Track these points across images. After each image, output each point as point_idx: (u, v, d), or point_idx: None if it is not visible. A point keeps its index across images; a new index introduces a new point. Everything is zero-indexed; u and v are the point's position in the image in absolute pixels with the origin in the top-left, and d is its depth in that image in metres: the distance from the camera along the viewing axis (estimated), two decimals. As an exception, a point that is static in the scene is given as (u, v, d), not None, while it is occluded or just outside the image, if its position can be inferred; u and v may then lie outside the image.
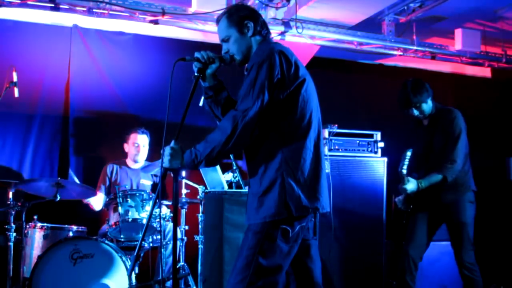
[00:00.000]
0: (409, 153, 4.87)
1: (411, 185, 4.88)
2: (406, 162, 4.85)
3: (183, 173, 5.54)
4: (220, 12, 3.40)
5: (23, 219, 4.92)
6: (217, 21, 3.37)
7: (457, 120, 4.92)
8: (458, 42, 7.37)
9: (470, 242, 4.83)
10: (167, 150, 3.03)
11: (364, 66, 8.02)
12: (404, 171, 4.85)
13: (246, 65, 3.25)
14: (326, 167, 5.03)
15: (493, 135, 8.35)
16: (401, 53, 7.31)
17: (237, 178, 5.41)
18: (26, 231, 5.03)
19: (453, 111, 5.00)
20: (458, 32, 7.37)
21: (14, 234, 4.89)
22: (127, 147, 6.09)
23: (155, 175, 6.05)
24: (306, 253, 3.28)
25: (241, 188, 5.38)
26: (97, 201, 5.84)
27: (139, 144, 6.01)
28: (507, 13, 6.98)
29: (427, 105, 5.02)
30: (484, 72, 8.54)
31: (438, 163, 4.90)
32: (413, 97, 4.96)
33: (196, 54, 3.22)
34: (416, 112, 5.04)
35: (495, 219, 7.71)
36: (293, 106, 3.07)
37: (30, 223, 5.12)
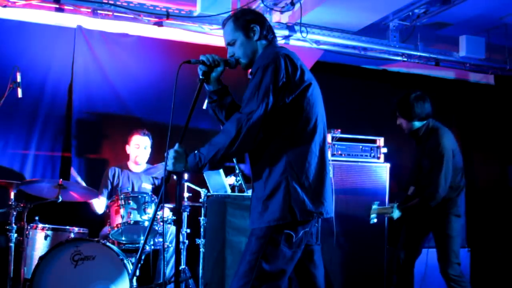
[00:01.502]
0: (374, 206, 5.09)
1: (395, 213, 5.06)
2: (373, 215, 5.10)
3: (185, 176, 5.52)
4: (225, 15, 3.40)
5: (25, 220, 4.91)
6: (223, 24, 3.36)
7: (441, 144, 4.86)
8: (462, 49, 7.36)
9: (455, 255, 4.85)
10: (171, 153, 3.01)
11: (368, 72, 8.01)
12: (376, 214, 5.09)
13: (251, 69, 3.23)
14: (330, 173, 5.04)
15: (496, 142, 8.34)
16: (405, 59, 7.30)
17: (239, 182, 5.40)
18: (27, 232, 5.00)
19: (439, 133, 4.95)
20: (462, 39, 7.37)
21: (15, 235, 4.87)
22: (128, 149, 6.07)
23: (156, 178, 6.03)
24: (309, 258, 3.27)
25: (243, 192, 5.37)
26: (99, 205, 5.82)
27: (139, 145, 5.99)
28: (512, 21, 6.99)
29: (409, 124, 5.07)
30: (488, 79, 8.53)
31: (424, 185, 4.94)
32: (398, 106, 5.12)
33: (202, 57, 3.21)
34: (397, 121, 5.18)
35: (497, 226, 7.70)
36: (299, 110, 3.06)
37: (31, 224, 5.09)
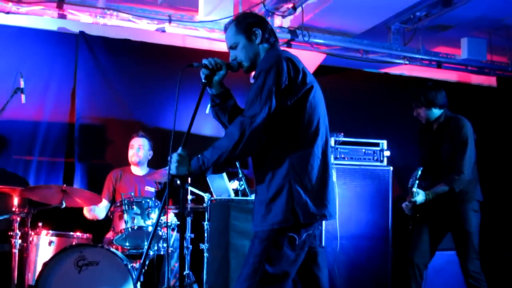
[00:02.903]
0: (419, 172, 4.83)
1: (420, 196, 4.84)
2: (416, 181, 4.83)
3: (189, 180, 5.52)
4: (227, 19, 3.40)
5: (28, 225, 4.92)
6: (225, 28, 3.36)
7: (465, 129, 4.90)
8: (464, 51, 7.37)
9: (475, 251, 4.81)
10: (174, 157, 3.00)
11: (370, 75, 8.01)
12: (414, 189, 4.82)
13: (253, 72, 3.24)
14: (333, 176, 5.04)
15: (500, 144, 8.32)
16: (407, 62, 7.31)
17: (243, 186, 5.40)
18: (31, 238, 5.02)
19: (461, 119, 4.99)
20: (464, 41, 7.37)
21: (19, 241, 4.88)
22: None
23: (159, 182, 6.03)
24: (313, 261, 3.26)
25: (247, 196, 5.36)
26: (101, 209, 5.83)
27: (134, 146, 6.02)
28: (513, 22, 6.99)
29: (429, 112, 5.04)
30: (490, 81, 8.51)
31: (445, 172, 4.88)
32: (417, 95, 5.05)
33: (204, 61, 3.21)
34: (415, 112, 5.13)
35: (501, 228, 7.68)
36: (301, 113, 3.06)
37: (35, 230, 5.10)
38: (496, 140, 8.30)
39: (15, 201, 4.94)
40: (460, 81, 8.45)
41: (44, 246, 5.09)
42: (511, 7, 6.54)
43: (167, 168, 3.09)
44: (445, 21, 6.91)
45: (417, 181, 4.79)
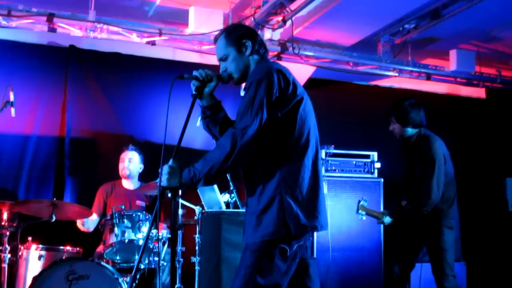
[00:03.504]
0: (362, 202, 5.14)
1: (387, 219, 5.04)
2: (362, 212, 5.13)
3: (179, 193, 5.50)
4: (217, 32, 3.40)
5: (18, 240, 4.88)
6: (215, 40, 3.37)
7: (432, 150, 4.87)
8: (453, 63, 7.42)
9: (450, 267, 4.82)
10: (165, 169, 2.99)
11: (360, 87, 8.05)
12: (364, 213, 5.09)
13: (244, 84, 3.24)
14: (324, 189, 5.07)
15: (489, 155, 8.36)
16: (397, 74, 7.35)
17: (234, 199, 5.39)
18: (20, 252, 4.98)
19: (430, 140, 4.96)
20: (452, 53, 7.43)
21: (9, 255, 4.84)
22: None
23: (150, 196, 6.01)
24: (304, 272, 3.24)
25: (238, 208, 5.35)
26: (92, 222, 5.80)
27: (124, 159, 6.00)
28: (501, 34, 7.04)
29: (402, 129, 5.07)
30: (479, 93, 8.58)
31: (416, 194, 4.92)
32: (391, 112, 5.10)
33: (194, 72, 3.21)
34: (390, 127, 5.15)
35: (493, 239, 7.70)
36: (291, 125, 3.06)
37: (24, 244, 5.06)
38: (486, 151, 8.34)
39: (5, 215, 4.90)
40: (450, 93, 8.50)
41: (34, 260, 5.05)
42: (498, 19, 6.60)
43: (158, 180, 3.08)
44: (434, 34, 6.96)
45: (361, 213, 5.14)
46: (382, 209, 6.12)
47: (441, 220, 4.88)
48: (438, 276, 4.83)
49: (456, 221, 5.00)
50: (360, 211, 5.18)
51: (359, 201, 5.19)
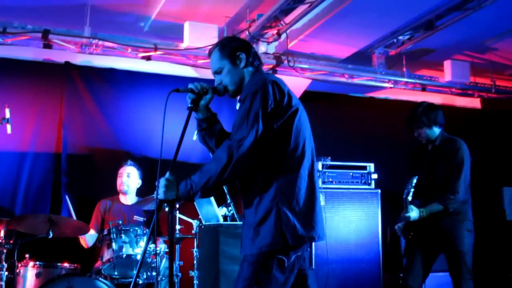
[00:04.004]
0: (414, 180, 4.85)
1: (414, 213, 4.84)
2: (412, 189, 4.83)
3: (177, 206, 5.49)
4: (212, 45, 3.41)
5: (15, 257, 4.86)
6: (209, 53, 3.38)
7: (461, 150, 4.92)
8: (447, 74, 7.45)
9: (469, 271, 4.80)
10: (162, 182, 2.99)
11: (356, 99, 8.07)
12: (409, 198, 4.83)
13: (239, 96, 3.24)
14: (321, 200, 5.06)
15: (485, 165, 8.36)
16: (392, 85, 7.37)
17: (231, 212, 5.38)
18: (18, 270, 4.95)
19: (458, 141, 5.02)
20: (447, 64, 7.46)
21: (6, 273, 4.81)
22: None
23: (148, 211, 6.00)
24: (303, 283, 3.23)
25: (236, 221, 5.34)
26: (89, 237, 5.78)
27: (122, 174, 6.00)
28: (495, 44, 7.09)
29: (430, 131, 5.05)
30: (474, 103, 8.61)
31: (440, 192, 4.89)
32: (419, 116, 5.05)
33: (190, 85, 3.22)
34: (415, 133, 5.11)
35: (491, 249, 7.69)
36: (287, 136, 3.06)
37: (22, 262, 5.03)
38: (483, 161, 8.35)
39: (1, 232, 4.87)
40: (445, 104, 8.51)
41: (32, 277, 5.01)
42: (492, 29, 6.65)
43: (155, 194, 3.07)
44: (428, 45, 7.01)
45: (412, 189, 4.81)
46: (380, 220, 6.12)
47: (461, 223, 4.86)
48: (456, 280, 4.79)
49: (473, 223, 4.97)
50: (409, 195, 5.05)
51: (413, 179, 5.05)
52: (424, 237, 5.00)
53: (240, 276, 3.01)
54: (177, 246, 5.44)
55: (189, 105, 3.20)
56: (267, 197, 3.02)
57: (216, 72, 3.33)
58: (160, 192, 2.99)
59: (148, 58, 6.19)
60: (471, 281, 4.79)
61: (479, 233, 7.50)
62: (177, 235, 5.43)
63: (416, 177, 4.87)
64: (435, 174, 5.01)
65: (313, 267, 3.43)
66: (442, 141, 5.07)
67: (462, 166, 4.86)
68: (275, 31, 6.20)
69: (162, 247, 5.51)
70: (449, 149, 4.97)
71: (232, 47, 3.30)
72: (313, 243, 5.57)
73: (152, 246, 5.07)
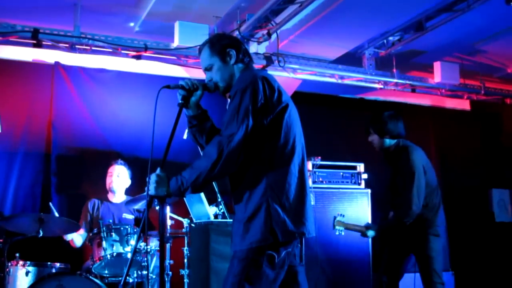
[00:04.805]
0: (339, 218, 5.23)
1: (370, 232, 5.07)
2: (340, 227, 5.18)
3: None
4: (203, 44, 3.41)
5: (5, 256, 4.83)
6: (200, 50, 3.38)
7: (411, 161, 4.90)
8: (437, 75, 7.49)
9: (438, 275, 4.84)
10: (152, 178, 2.99)
11: (346, 100, 8.10)
12: (342, 232, 5.19)
13: (229, 92, 3.25)
14: (311, 200, 5.09)
15: (474, 167, 8.41)
16: (382, 86, 7.40)
17: (222, 210, 5.38)
18: (8, 269, 4.92)
19: (408, 150, 4.99)
20: (437, 65, 7.50)
21: (-4, 272, 4.80)
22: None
23: (138, 210, 5.99)
24: (293, 279, 3.24)
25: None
26: (78, 237, 5.76)
27: (112, 173, 5.99)
28: (485, 47, 7.14)
29: (381, 141, 5.12)
30: (463, 105, 8.65)
31: (398, 204, 4.94)
32: (369, 123, 5.19)
33: (181, 82, 3.23)
34: (369, 138, 5.21)
35: (479, 249, 7.74)
36: (277, 132, 3.07)
37: (12, 261, 5.00)
38: (472, 162, 8.40)
39: (-9, 232, 4.87)
40: (434, 105, 8.56)
41: (22, 277, 4.98)
42: (481, 32, 6.70)
43: (145, 193, 3.07)
44: (418, 46, 7.05)
45: (339, 228, 5.20)
46: (370, 219, 6.14)
47: (427, 228, 4.90)
48: (426, 285, 4.84)
49: (443, 228, 5.02)
50: (337, 227, 5.21)
51: (335, 217, 5.22)
52: (394, 240, 5.09)
53: (230, 272, 3.01)
54: (168, 245, 5.43)
55: (180, 102, 3.20)
56: (257, 193, 3.03)
57: (206, 69, 3.33)
58: (151, 188, 2.99)
59: (138, 58, 6.19)
60: (441, 285, 4.82)
61: (468, 235, 7.57)
62: (168, 234, 5.42)
63: (342, 215, 5.25)
64: (395, 184, 5.05)
65: (303, 262, 3.44)
66: (396, 150, 5.08)
67: (413, 179, 4.83)
68: (265, 32, 6.21)
69: (152, 245, 5.49)
70: (401, 160, 4.99)
71: (222, 44, 3.30)
72: (303, 242, 5.58)
73: (142, 244, 5.07)
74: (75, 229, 5.41)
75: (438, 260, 4.85)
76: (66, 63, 6.39)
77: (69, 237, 5.69)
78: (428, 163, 5.01)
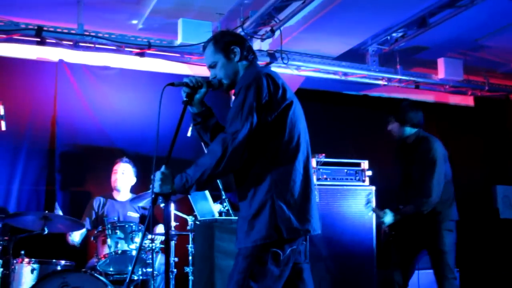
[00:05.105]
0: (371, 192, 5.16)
1: (388, 217, 4.99)
2: (370, 199, 5.21)
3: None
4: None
5: (10, 253, 4.84)
6: (204, 47, 3.38)
7: (433, 150, 4.92)
8: (440, 71, 7.48)
9: (451, 270, 4.82)
10: (157, 175, 2.99)
11: (349, 97, 8.09)
12: (373, 205, 5.18)
13: (234, 90, 3.25)
14: (316, 197, 5.08)
15: (478, 163, 8.40)
16: (386, 83, 7.40)
17: (226, 208, 5.38)
18: (13, 266, 4.93)
19: (430, 140, 5.02)
20: (440, 62, 7.49)
21: (1, 269, 4.80)
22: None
23: (143, 208, 5.99)
24: (298, 277, 3.24)
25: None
26: (76, 234, 5.75)
27: (117, 171, 6.01)
28: (488, 42, 7.11)
29: (401, 129, 5.10)
30: (467, 100, 8.63)
31: (416, 193, 4.92)
32: (390, 112, 5.19)
33: (185, 79, 3.22)
34: (389, 127, 5.20)
35: (485, 246, 7.72)
36: (281, 128, 3.06)
37: (17, 258, 5.01)
38: (476, 159, 8.38)
39: (-4, 229, 4.88)
40: (438, 102, 8.54)
41: (27, 274, 4.99)
42: (485, 27, 6.67)
43: (150, 190, 3.07)
44: (421, 43, 7.03)
45: (370, 199, 4.99)
46: (374, 217, 6.13)
47: (441, 223, 4.88)
48: (439, 279, 4.82)
49: (455, 222, 4.99)
50: (369, 204, 5.26)
51: (369, 194, 5.15)
52: (406, 236, 5.04)
53: (235, 269, 3.01)
54: (172, 243, 5.44)
55: (184, 99, 3.20)
56: (262, 190, 3.02)
57: (210, 66, 3.33)
58: (156, 186, 2.99)
59: (142, 55, 6.19)
60: (454, 280, 4.81)
61: (472, 232, 7.55)
62: (172, 232, 5.43)
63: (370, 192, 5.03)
64: (411, 174, 5.04)
65: (308, 259, 3.44)
66: (416, 140, 5.08)
67: (435, 167, 4.85)
68: (269, 28, 6.21)
69: (157, 242, 5.49)
70: (422, 149, 4.99)
71: (226, 41, 3.30)
72: (308, 239, 5.58)
73: (147, 242, 5.08)
74: (79, 227, 5.42)
75: (451, 255, 4.84)
76: (69, 61, 6.40)
77: (72, 236, 5.71)
78: (446, 155, 5.02)
